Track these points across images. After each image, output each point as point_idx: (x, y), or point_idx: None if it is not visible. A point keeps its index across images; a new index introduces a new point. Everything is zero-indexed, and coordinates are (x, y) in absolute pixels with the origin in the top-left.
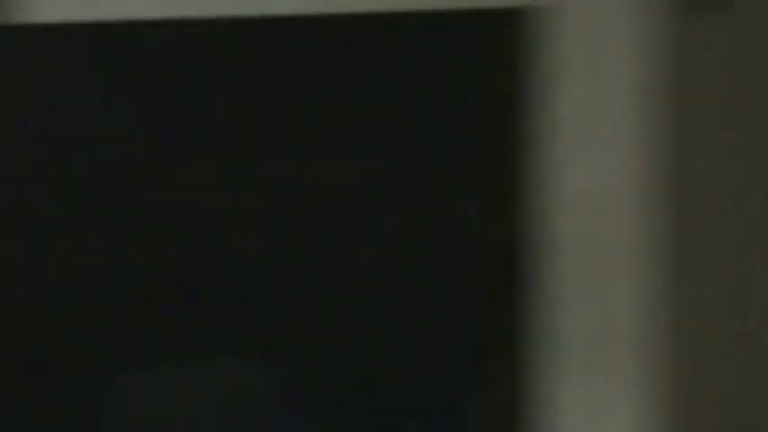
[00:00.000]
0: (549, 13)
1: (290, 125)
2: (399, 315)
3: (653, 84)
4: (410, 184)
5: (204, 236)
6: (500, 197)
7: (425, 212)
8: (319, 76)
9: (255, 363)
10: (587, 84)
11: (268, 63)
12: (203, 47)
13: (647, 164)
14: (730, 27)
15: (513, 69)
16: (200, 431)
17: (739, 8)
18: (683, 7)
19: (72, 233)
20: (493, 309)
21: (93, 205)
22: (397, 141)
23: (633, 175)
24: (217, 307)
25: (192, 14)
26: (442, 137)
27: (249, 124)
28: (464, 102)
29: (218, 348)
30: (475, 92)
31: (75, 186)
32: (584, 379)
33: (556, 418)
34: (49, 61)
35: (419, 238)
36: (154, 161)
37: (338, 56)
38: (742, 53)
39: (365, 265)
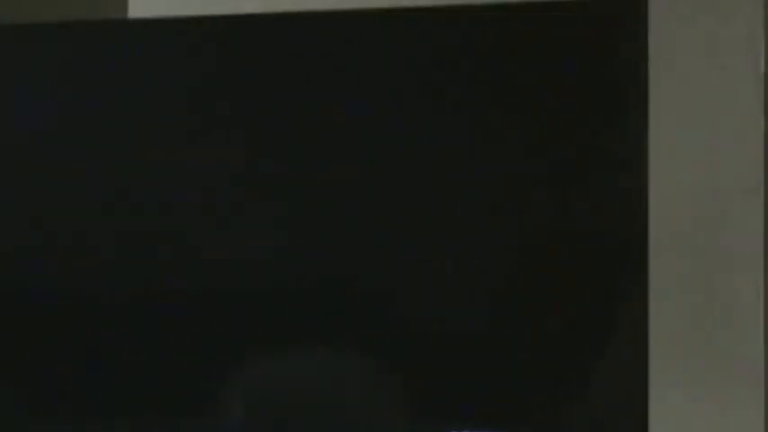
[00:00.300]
0: None
1: (414, 119)
2: (512, 310)
3: None
4: (523, 177)
5: (313, 228)
6: (616, 192)
7: (538, 205)
8: (435, 69)
9: (368, 356)
10: (703, 75)
11: (389, 56)
12: (311, 41)
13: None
14: None
15: (625, 61)
16: (307, 423)
17: None
18: None
19: (189, 227)
20: (607, 306)
21: (208, 201)
22: (511, 134)
23: (750, 173)
24: (329, 299)
25: (286, 9)
26: (557, 130)
27: (370, 118)
28: (578, 93)
29: (327, 341)
30: (588, 83)
31: (189, 183)
32: (698, 379)
33: (671, 419)
34: (145, 58)
35: (532, 231)
36: (261, 156)
37: (453, 49)
38: None
39: (478, 259)
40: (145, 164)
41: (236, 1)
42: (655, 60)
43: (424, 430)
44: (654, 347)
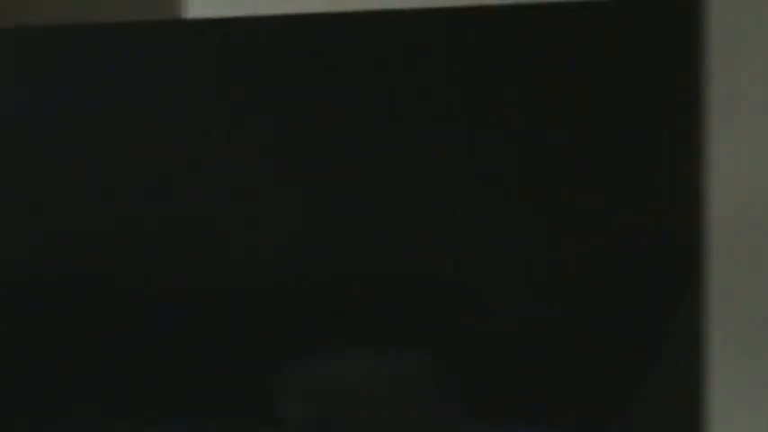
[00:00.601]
0: None
1: (462, 119)
2: (570, 309)
3: None
4: (579, 178)
5: (364, 226)
6: (676, 192)
7: (600, 207)
8: (485, 68)
9: (433, 356)
10: (762, 72)
11: (451, 55)
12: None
13: None
14: None
15: (685, 60)
16: (361, 423)
17: None
18: None
19: (242, 225)
20: (665, 306)
21: (255, 199)
22: (568, 134)
23: None
24: (383, 297)
25: (353, 8)
26: (618, 130)
27: (419, 118)
28: (637, 94)
29: (382, 340)
30: (648, 82)
31: (231, 182)
32: (760, 381)
33: (735, 415)
34: (203, 58)
35: (590, 231)
36: (334, 157)
37: (509, 49)
38: None
39: (535, 259)
40: (194, 162)
41: (302, 0)
42: (712, 58)
43: (479, 429)
44: (714, 350)
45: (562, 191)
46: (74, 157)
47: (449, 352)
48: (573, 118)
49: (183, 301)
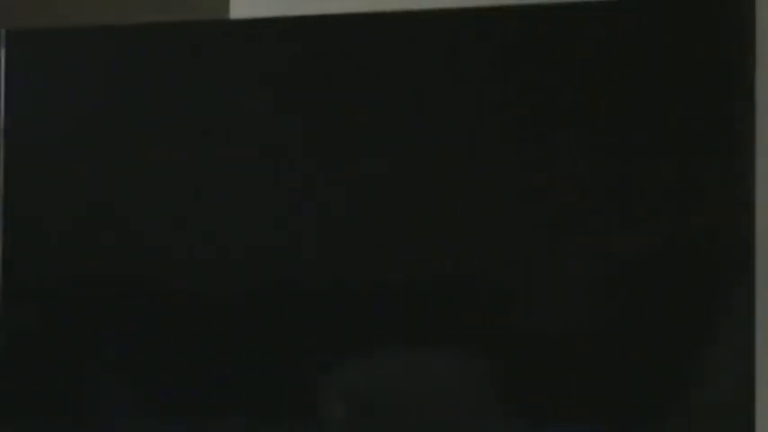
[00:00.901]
0: None
1: (525, 126)
2: (616, 312)
3: None
4: (633, 182)
5: (436, 231)
6: (722, 196)
7: (646, 207)
8: (542, 70)
9: (476, 356)
10: None
11: (500, 56)
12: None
13: None
14: None
15: (732, 62)
16: (407, 423)
17: None
18: None
19: (293, 229)
20: (713, 308)
21: (335, 201)
22: (624, 139)
23: None
24: (431, 300)
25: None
26: (667, 136)
27: (484, 123)
28: (684, 96)
29: (428, 341)
30: (693, 82)
31: (295, 182)
32: None
33: None
34: (247, 57)
35: (640, 234)
36: (371, 156)
37: (562, 51)
38: None
39: (585, 263)
40: (256, 161)
41: (344, 1)
42: (762, 61)
43: (523, 428)
44: (762, 348)
45: (612, 194)
46: (121, 155)
47: (492, 352)
48: (626, 126)
49: (229, 303)
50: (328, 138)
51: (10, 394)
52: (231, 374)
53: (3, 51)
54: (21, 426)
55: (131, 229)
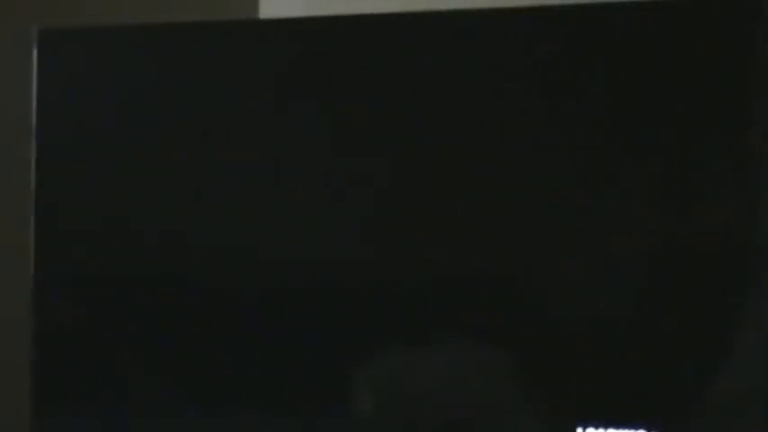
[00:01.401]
0: None
1: (543, 121)
2: (641, 309)
3: None
4: (649, 182)
5: (443, 225)
6: (742, 195)
7: (668, 210)
8: (569, 71)
9: (498, 350)
10: None
11: (516, 56)
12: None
13: None
14: None
15: (743, 61)
16: (435, 417)
17: None
18: None
19: (316, 222)
20: (733, 305)
21: (339, 198)
22: (643, 137)
23: None
24: (458, 294)
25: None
26: (681, 129)
27: (497, 118)
28: (688, 95)
29: (457, 335)
30: (704, 83)
31: (322, 180)
32: None
33: None
34: (272, 58)
35: (660, 235)
36: (397, 154)
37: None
38: None
39: (609, 261)
40: (288, 160)
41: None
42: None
43: (552, 425)
44: None
45: (632, 193)
46: (154, 154)
47: (521, 349)
48: (644, 125)
49: (263, 300)
50: (359, 135)
51: (45, 389)
52: (259, 370)
53: (35, 50)
54: (53, 421)
55: (163, 228)
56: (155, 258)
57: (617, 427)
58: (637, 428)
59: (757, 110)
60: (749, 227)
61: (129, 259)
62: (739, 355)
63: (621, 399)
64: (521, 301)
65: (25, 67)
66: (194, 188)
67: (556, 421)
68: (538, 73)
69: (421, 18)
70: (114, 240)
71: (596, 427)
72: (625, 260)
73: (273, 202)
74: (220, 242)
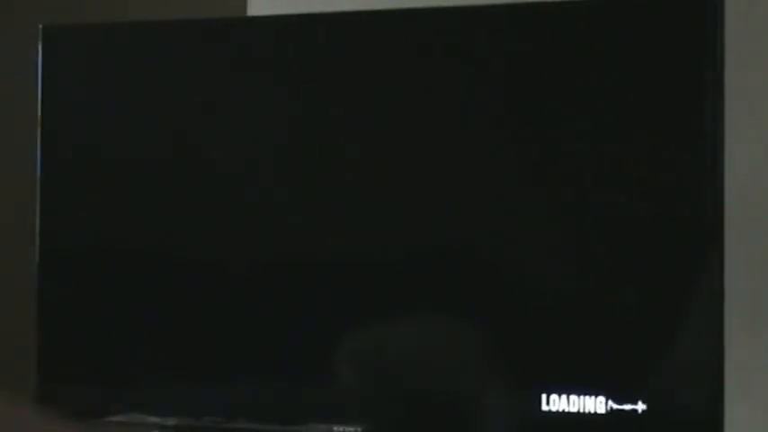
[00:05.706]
0: None
1: (516, 113)
2: (601, 281)
3: None
4: (612, 162)
5: (414, 201)
6: (697, 173)
7: (630, 188)
8: (550, 61)
9: (467, 321)
10: None
11: (511, 51)
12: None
13: None
14: None
15: (701, 51)
16: (411, 387)
17: None
18: None
19: (301, 200)
20: (686, 278)
21: (329, 180)
22: (608, 122)
23: None
24: (430, 267)
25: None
26: (644, 120)
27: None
28: (659, 83)
29: (429, 307)
30: (665, 72)
31: (317, 165)
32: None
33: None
34: (265, 54)
35: (623, 211)
36: (379, 147)
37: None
38: None
39: (569, 233)
40: (288, 148)
41: None
42: (730, 49)
43: (519, 392)
44: (730, 317)
45: (593, 170)
46: (157, 149)
47: (490, 323)
48: (606, 108)
49: (249, 279)
50: (348, 126)
51: (51, 362)
52: (241, 343)
53: (40, 47)
54: (62, 393)
55: (158, 211)
56: (154, 241)
57: (578, 393)
58: (597, 395)
59: (710, 96)
60: (703, 203)
61: (129, 240)
62: (694, 325)
63: (582, 367)
64: (489, 276)
65: (30, 64)
66: (196, 177)
67: (522, 388)
68: (499, 62)
69: (403, 15)
70: (114, 224)
71: (559, 394)
72: (587, 235)
73: (260, 185)
74: (211, 223)
